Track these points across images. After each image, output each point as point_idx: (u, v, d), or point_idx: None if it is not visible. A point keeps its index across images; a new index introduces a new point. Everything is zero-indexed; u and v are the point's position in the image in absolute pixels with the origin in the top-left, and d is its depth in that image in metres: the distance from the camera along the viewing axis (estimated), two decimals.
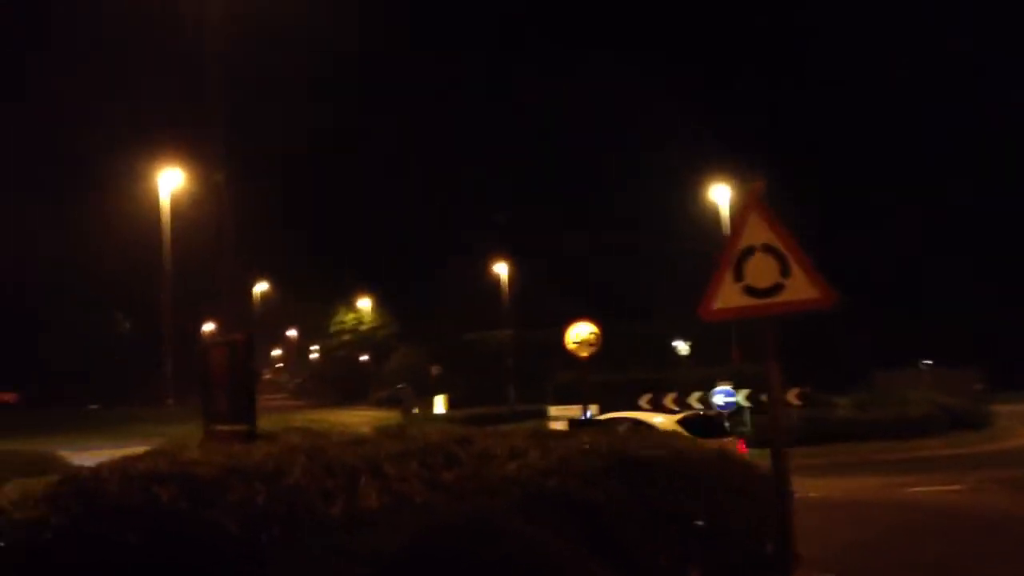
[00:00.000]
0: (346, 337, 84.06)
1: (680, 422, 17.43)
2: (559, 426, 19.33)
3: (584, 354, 19.58)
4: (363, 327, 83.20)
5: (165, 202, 35.90)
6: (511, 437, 6.51)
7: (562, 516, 5.28)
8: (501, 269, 61.21)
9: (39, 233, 62.45)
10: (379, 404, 62.32)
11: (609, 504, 5.34)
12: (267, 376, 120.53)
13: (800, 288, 5.91)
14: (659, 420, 17.95)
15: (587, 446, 6.10)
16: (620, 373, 33.05)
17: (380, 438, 6.47)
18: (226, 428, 11.20)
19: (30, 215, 61.87)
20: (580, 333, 19.53)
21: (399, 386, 55.75)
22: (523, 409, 40.71)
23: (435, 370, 54.66)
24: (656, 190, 64.47)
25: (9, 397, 63.25)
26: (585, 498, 5.41)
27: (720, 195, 39.02)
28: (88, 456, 20.62)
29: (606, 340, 19.95)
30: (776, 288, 5.95)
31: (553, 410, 27.72)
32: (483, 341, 61.71)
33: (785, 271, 5.95)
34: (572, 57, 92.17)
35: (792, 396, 28.06)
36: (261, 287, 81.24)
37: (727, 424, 22.34)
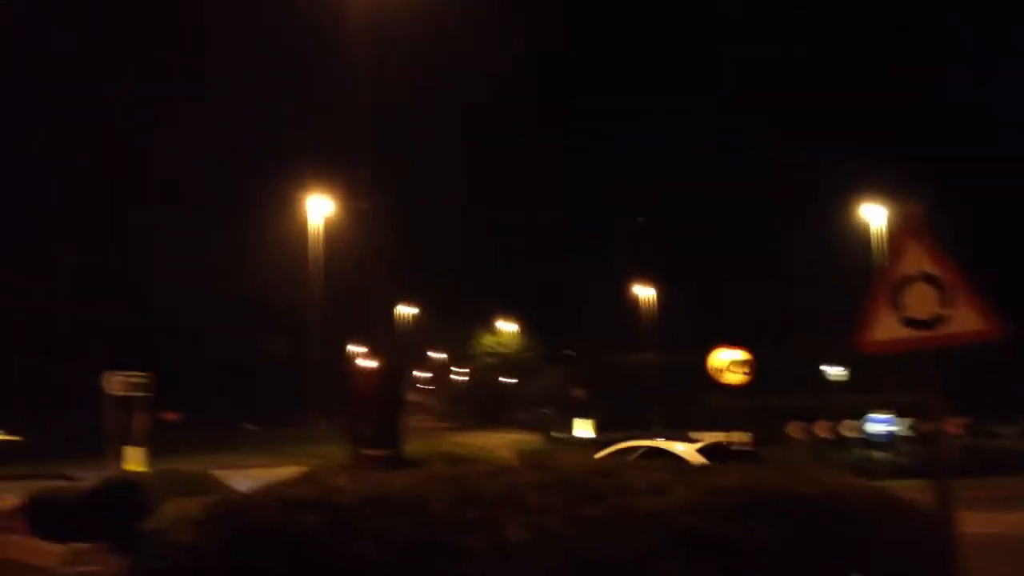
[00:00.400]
0: (490, 360, 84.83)
1: (701, 451, 16.35)
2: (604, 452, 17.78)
3: (732, 380, 19.13)
4: (506, 350, 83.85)
5: (315, 227, 37.08)
6: (653, 471, 6.35)
7: (703, 556, 5.10)
8: (644, 292, 60.71)
9: (198, 258, 65.55)
10: (522, 427, 62.53)
11: (753, 546, 5.13)
12: (413, 398, 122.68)
13: (964, 319, 5.58)
14: (681, 448, 16.87)
15: (733, 482, 5.89)
16: (769, 399, 32.18)
17: (521, 468, 6.40)
18: (373, 452, 11.43)
19: (189, 239, 65.10)
20: (726, 358, 19.09)
21: (543, 410, 55.80)
22: (666, 434, 40.06)
23: (579, 393, 54.48)
24: (809, 213, 62.34)
25: (172, 416, 66.43)
26: (727, 538, 5.21)
27: (872, 214, 37.66)
28: (243, 476, 21.45)
29: (757, 364, 19.44)
30: (938, 320, 5.63)
31: (695, 436, 27.15)
32: (627, 364, 61.25)
33: (947, 301, 5.62)
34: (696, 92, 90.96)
35: (954, 425, 26.71)
36: (407, 310, 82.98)
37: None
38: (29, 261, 68.27)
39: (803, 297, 58.06)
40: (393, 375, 11.82)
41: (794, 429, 28.64)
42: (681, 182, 76.25)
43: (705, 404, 32.55)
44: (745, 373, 18.84)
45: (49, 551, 10.91)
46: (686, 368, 46.18)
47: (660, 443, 17.60)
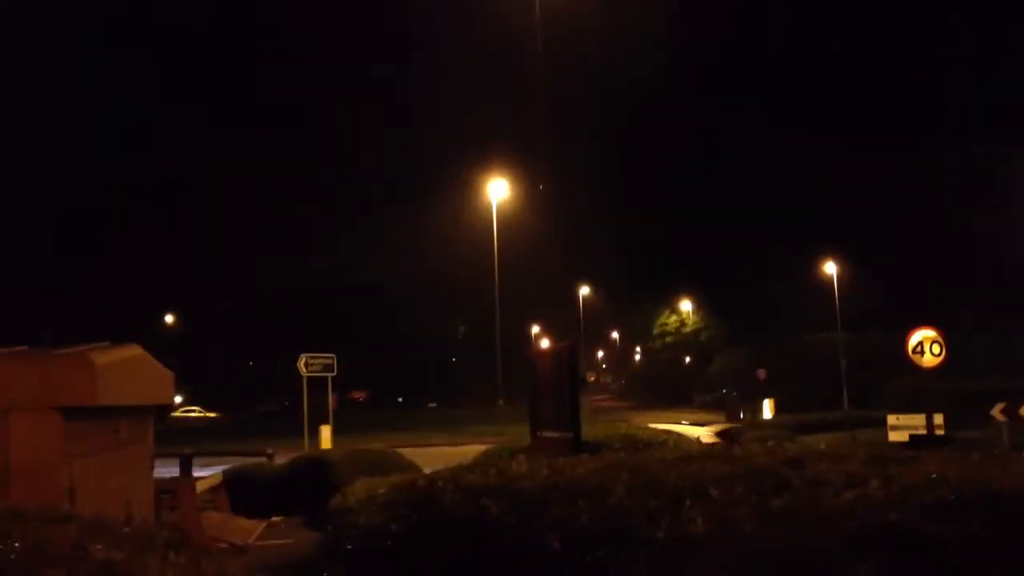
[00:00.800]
0: (668, 339, 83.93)
1: (719, 434, 16.64)
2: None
3: (926, 361, 18.10)
4: (685, 329, 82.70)
5: (494, 211, 37.47)
6: (847, 461, 6.01)
7: (902, 555, 4.77)
8: (831, 268, 58.51)
9: (385, 243, 67.74)
10: (702, 408, 61.58)
11: (958, 545, 4.76)
12: (591, 378, 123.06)
13: None
14: (699, 433, 17.22)
15: (935, 475, 5.50)
16: (971, 380, 30.36)
17: (704, 457, 6.21)
18: (552, 434, 11.43)
19: (373, 226, 67.27)
20: (920, 337, 18.08)
21: (724, 391, 54.77)
22: (857, 415, 38.53)
23: (761, 374, 53.05)
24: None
25: (360, 395, 69.11)
26: (930, 536, 4.86)
27: None
28: (427, 454, 21.99)
29: (953, 345, 18.32)
30: None
31: (892, 418, 25.88)
32: (813, 343, 59.25)
33: None
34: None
35: None
36: (586, 290, 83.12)
37: None
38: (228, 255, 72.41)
39: (1016, 273, 54.57)
40: (571, 355, 11.75)
41: (999, 412, 26.87)
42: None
43: (899, 385, 31.02)
44: (939, 353, 17.77)
45: (247, 527, 11.44)
46: (877, 348, 44.25)
47: (677, 427, 17.93)
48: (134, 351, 7.14)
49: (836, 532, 4.94)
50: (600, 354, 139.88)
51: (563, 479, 5.81)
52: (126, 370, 6.76)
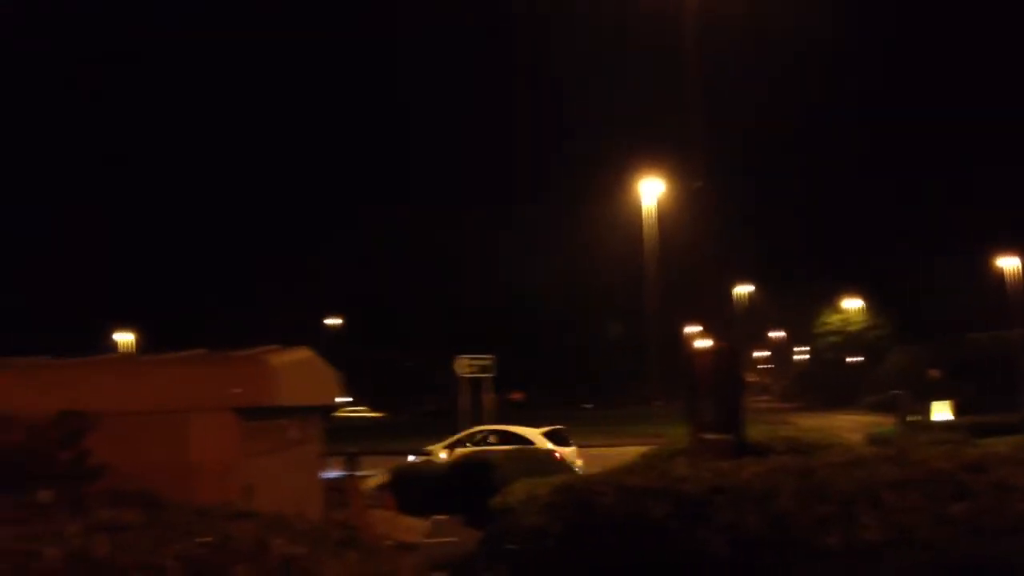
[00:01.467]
0: (833, 338, 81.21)
1: (546, 435, 19.69)
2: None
3: None
4: (851, 328, 79.84)
5: (648, 210, 37.12)
6: None
7: None
8: (1007, 263, 55.48)
9: (535, 245, 68.30)
10: (871, 409, 59.25)
11: None
12: (752, 378, 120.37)
13: None
14: (527, 433, 20.21)
15: None
16: None
17: (876, 461, 5.96)
18: (713, 437, 11.20)
19: (525, 225, 67.77)
20: None
21: (894, 392, 52.61)
22: None
23: (934, 373, 50.64)
24: None
25: (516, 395, 69.81)
26: None
27: None
28: (584, 455, 21.99)
29: None
30: None
31: None
32: (990, 342, 56.21)
33: None
34: None
35: None
36: (745, 288, 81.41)
37: None
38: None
39: None
40: (732, 356, 11.51)
41: None
42: None
43: None
44: None
45: (413, 525, 11.70)
46: None
47: (509, 428, 21.01)
48: (305, 353, 7.41)
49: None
50: (760, 354, 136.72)
51: (727, 482, 5.69)
52: (298, 371, 7.02)
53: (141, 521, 3.71)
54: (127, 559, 3.16)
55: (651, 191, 37.27)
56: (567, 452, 19.98)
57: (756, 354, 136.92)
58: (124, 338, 58.10)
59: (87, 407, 5.53)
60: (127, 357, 10.04)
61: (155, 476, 5.14)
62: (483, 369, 27.75)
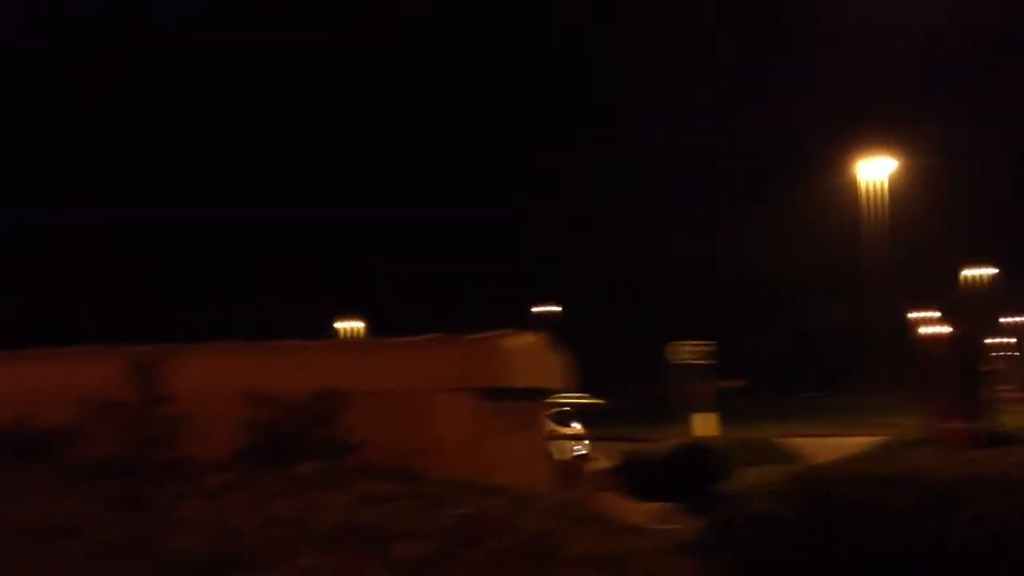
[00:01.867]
0: None
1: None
2: None
3: None
4: None
5: (872, 189, 35.58)
6: None
7: None
8: None
9: (755, 228, 66.60)
10: None
11: None
12: (991, 366, 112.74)
13: None
14: None
15: None
16: None
17: None
18: (951, 426, 10.64)
19: (742, 210, 66.28)
20: None
21: None
22: None
23: None
24: None
25: (735, 383, 68.38)
26: None
27: None
28: (811, 444, 21.24)
29: None
30: None
31: None
32: None
33: None
34: None
35: None
36: (983, 271, 76.38)
37: None
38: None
39: None
40: (969, 342, 10.90)
41: None
42: None
43: None
44: None
45: (637, 509, 11.79)
46: None
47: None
48: (534, 338, 7.64)
49: None
50: (1002, 341, 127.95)
51: (976, 472, 5.44)
52: (529, 355, 7.25)
53: (400, 493, 3.98)
54: (391, 528, 3.41)
55: (879, 169, 35.64)
56: (568, 432, 19.29)
57: (995, 340, 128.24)
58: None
59: (339, 386, 5.94)
60: (372, 340, 10.65)
61: (403, 452, 5.46)
62: (703, 356, 27.42)
